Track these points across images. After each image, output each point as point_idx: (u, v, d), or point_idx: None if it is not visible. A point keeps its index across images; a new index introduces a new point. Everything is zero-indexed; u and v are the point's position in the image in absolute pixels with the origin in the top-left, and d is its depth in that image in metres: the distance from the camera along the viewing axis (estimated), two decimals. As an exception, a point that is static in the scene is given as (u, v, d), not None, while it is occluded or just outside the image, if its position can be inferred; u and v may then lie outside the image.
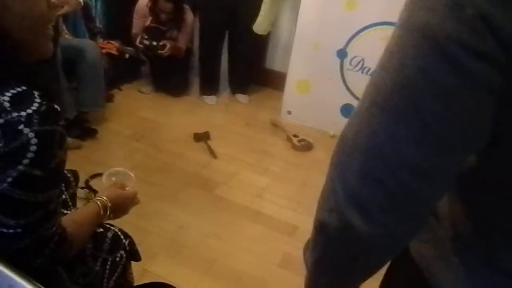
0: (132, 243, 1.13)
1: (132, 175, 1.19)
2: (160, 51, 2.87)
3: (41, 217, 0.70)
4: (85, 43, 2.45)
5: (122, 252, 1.08)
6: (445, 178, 0.43)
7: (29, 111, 0.63)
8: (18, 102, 0.63)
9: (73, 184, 1.20)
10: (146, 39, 2.88)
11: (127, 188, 1.10)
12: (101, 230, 1.06)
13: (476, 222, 0.49)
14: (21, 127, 0.62)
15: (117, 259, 1.06)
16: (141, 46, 2.91)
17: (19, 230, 0.68)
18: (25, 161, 0.63)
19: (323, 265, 0.56)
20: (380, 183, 0.43)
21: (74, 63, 2.34)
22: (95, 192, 1.96)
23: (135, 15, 2.97)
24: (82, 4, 2.37)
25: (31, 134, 0.63)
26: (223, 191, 2.19)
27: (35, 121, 0.63)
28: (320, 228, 0.52)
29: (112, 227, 1.10)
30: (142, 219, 1.88)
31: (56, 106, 0.68)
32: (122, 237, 1.10)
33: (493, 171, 0.44)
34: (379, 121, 0.42)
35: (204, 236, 1.86)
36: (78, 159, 2.23)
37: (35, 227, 0.70)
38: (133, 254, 1.14)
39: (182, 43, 3.01)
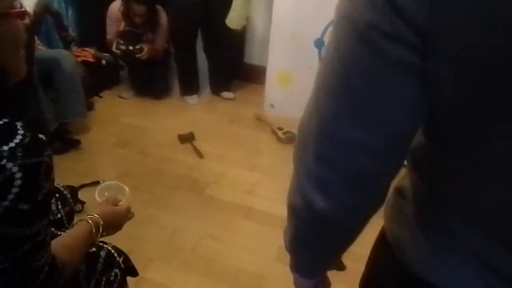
0: (127, 260, 1.11)
1: (126, 188, 1.17)
2: (138, 55, 2.84)
3: (30, 250, 0.67)
4: (60, 53, 2.41)
5: (117, 270, 1.06)
6: (388, 153, 0.46)
7: (12, 144, 0.61)
8: (0, 136, 0.62)
9: (70, 201, 1.17)
10: (122, 44, 2.84)
11: (120, 203, 1.07)
12: (94, 249, 1.04)
13: (434, 199, 0.51)
14: (3, 162, 0.60)
15: (112, 278, 1.04)
16: (118, 51, 2.87)
17: (6, 265, 0.66)
18: (10, 197, 0.61)
19: (298, 244, 0.61)
20: (331, 162, 0.47)
21: (50, 75, 2.29)
22: (82, 203, 1.93)
23: (108, 21, 2.92)
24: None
25: (15, 169, 0.61)
26: (213, 191, 2.18)
27: (19, 154, 0.61)
28: (290, 209, 0.56)
29: (105, 245, 1.08)
30: (134, 226, 1.84)
31: (40, 136, 0.66)
32: (116, 255, 1.07)
33: (440, 150, 0.47)
34: (324, 103, 0.46)
35: (199, 238, 1.86)
36: (62, 171, 2.18)
37: (24, 261, 0.68)
38: (129, 270, 1.13)
39: (159, 44, 2.97)
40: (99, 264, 1.02)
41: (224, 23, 2.90)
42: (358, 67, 0.41)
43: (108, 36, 2.94)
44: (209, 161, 2.43)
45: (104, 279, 1.02)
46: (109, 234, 0.99)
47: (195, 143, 2.56)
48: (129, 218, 1.07)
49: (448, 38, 0.36)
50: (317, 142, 0.47)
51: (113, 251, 1.07)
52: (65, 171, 2.19)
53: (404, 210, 0.56)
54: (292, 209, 0.56)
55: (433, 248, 0.51)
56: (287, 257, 0.67)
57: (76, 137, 2.45)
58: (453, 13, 0.35)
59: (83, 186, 2.07)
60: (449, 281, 0.50)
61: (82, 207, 1.90)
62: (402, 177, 0.58)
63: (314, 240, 0.58)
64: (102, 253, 1.04)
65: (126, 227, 1.82)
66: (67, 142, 2.37)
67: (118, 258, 1.07)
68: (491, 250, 0.46)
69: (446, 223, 0.50)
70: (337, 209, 0.50)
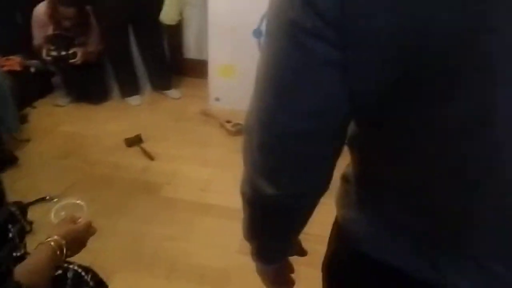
0: (95, 275, 1.08)
1: (83, 204, 1.14)
2: (72, 60, 2.69)
3: None
4: None
5: None
6: (324, 141, 0.49)
7: None
8: None
9: (20, 217, 1.10)
10: (53, 49, 2.68)
11: (79, 220, 1.03)
12: (60, 272, 1.00)
13: (369, 180, 0.56)
14: None
15: None
16: (49, 58, 2.70)
17: None
18: None
19: (254, 232, 0.64)
20: (272, 151, 0.50)
21: None
22: (31, 223, 1.82)
23: (34, 25, 2.73)
24: None
25: None
26: (168, 192, 2.15)
27: None
28: (242, 198, 0.60)
29: (70, 266, 1.04)
30: (92, 239, 1.78)
31: None
32: (83, 273, 1.04)
33: (369, 135, 0.51)
34: (260, 95, 0.49)
35: (160, 241, 1.83)
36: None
37: None
38: (100, 285, 1.10)
39: (92, 47, 2.84)
40: (67, 286, 0.98)
41: (154, 19, 2.84)
42: (287, 62, 0.44)
43: (36, 42, 2.76)
44: (160, 162, 2.38)
45: None
46: (74, 253, 0.96)
47: (143, 145, 2.50)
48: (92, 233, 1.04)
49: (359, 25, 0.39)
50: (258, 132, 0.50)
51: (79, 270, 1.04)
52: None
53: (350, 194, 0.60)
54: (244, 198, 0.59)
55: (373, 225, 0.56)
56: (249, 248, 0.69)
57: (14, 153, 2.30)
58: (363, 20, 0.38)
59: (29, 204, 1.94)
60: (388, 255, 0.54)
61: (31, 228, 1.79)
62: (347, 165, 0.62)
63: (267, 226, 0.62)
64: (69, 274, 1.00)
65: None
66: (2, 161, 2.21)
67: (85, 277, 1.04)
68: (421, 223, 0.51)
69: (382, 202, 0.54)
70: (284, 195, 0.53)
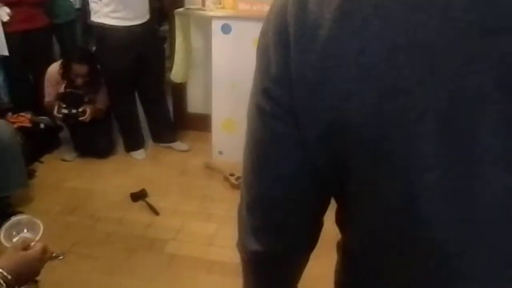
0: None
1: (39, 222, 1.03)
2: (81, 118, 2.78)
3: None
4: None
5: None
6: (296, 206, 0.53)
7: None
8: None
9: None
10: (64, 107, 2.77)
11: (33, 244, 0.95)
12: None
13: (348, 257, 0.58)
14: None
15: None
16: (60, 115, 2.79)
17: None
18: None
19: (249, 284, 0.67)
20: (254, 211, 0.55)
21: None
22: (36, 282, 1.81)
23: (46, 83, 2.85)
24: None
25: None
26: (173, 248, 2.15)
27: None
28: (240, 256, 0.63)
29: None
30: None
31: None
32: None
33: (345, 209, 0.54)
34: (243, 161, 0.54)
35: (164, 301, 1.81)
36: (5, 250, 2.04)
37: None
38: None
39: (101, 103, 2.94)
40: None
41: (158, 76, 2.97)
42: (257, 137, 0.50)
43: (47, 99, 2.86)
44: (165, 217, 2.40)
45: None
46: (25, 284, 0.89)
47: (148, 199, 2.52)
48: (46, 260, 0.95)
49: (302, 109, 0.45)
50: (244, 193, 0.55)
51: None
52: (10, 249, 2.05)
53: (342, 265, 0.61)
54: (238, 252, 0.63)
55: None
56: None
57: (19, 209, 2.31)
58: (303, 102, 0.44)
59: (33, 263, 1.94)
60: None
61: (37, 286, 1.78)
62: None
63: (260, 281, 0.65)
64: None
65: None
66: (8, 217, 2.23)
67: None
68: None
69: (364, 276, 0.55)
70: (269, 252, 0.57)
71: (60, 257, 2.10)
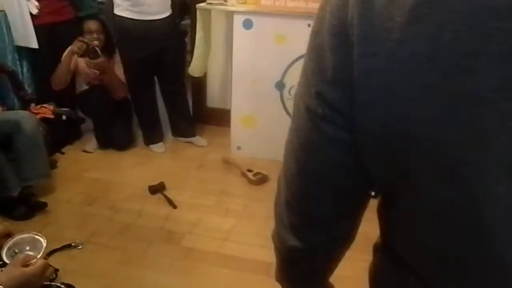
0: None
1: (42, 239, 1.04)
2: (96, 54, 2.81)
3: None
4: (20, 114, 2.34)
5: None
6: (342, 206, 0.54)
7: None
8: None
9: None
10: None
11: (34, 261, 0.95)
12: None
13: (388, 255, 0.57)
14: None
15: None
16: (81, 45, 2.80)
17: None
18: None
19: (282, 276, 0.68)
20: (293, 208, 0.56)
21: (10, 137, 2.23)
22: (56, 270, 1.86)
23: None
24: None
25: None
26: (190, 241, 2.17)
27: None
28: (274, 252, 0.65)
29: (53, 284, 1.01)
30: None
31: None
32: None
33: (383, 206, 0.54)
34: (288, 160, 0.55)
35: (180, 294, 1.83)
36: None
37: None
38: None
39: (117, 72, 2.97)
40: None
41: (179, 71, 2.99)
42: (304, 136, 0.50)
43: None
44: (182, 210, 2.42)
45: None
46: None
47: (166, 192, 2.55)
48: (47, 278, 0.96)
49: (362, 115, 0.44)
50: (284, 189, 0.56)
51: (63, 286, 1.02)
52: (32, 237, 2.11)
53: (380, 267, 0.61)
54: (274, 247, 0.64)
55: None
56: None
57: (42, 199, 2.38)
58: (365, 107, 0.44)
59: (54, 251, 1.99)
60: None
61: (56, 274, 1.82)
62: (379, 236, 0.62)
63: (295, 272, 0.66)
64: None
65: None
66: (33, 206, 2.29)
67: None
68: None
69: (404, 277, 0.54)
70: (306, 247, 0.58)
71: (79, 247, 2.16)
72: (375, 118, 0.43)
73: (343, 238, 0.59)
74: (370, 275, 0.64)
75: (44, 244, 1.02)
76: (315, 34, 0.47)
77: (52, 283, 0.99)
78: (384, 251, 0.58)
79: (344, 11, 0.43)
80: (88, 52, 2.78)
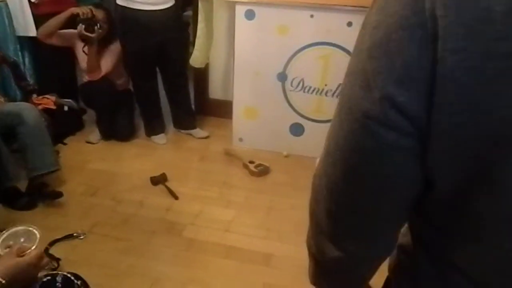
0: (85, 284, 1.08)
1: (35, 231, 1.05)
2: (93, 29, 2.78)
3: None
4: (21, 106, 2.33)
5: None
6: (391, 218, 0.52)
7: None
8: None
9: (77, 284, 1.11)
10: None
11: (28, 251, 0.97)
12: (48, 278, 1.00)
13: (433, 264, 0.54)
14: None
15: None
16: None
17: None
18: None
19: (319, 280, 0.66)
20: (341, 220, 0.54)
21: (13, 129, 2.23)
22: (57, 260, 1.88)
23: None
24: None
25: None
26: (191, 232, 2.18)
27: None
28: (308, 250, 0.63)
29: (59, 272, 1.04)
30: (113, 278, 1.83)
31: None
32: (73, 278, 1.05)
33: (437, 222, 0.51)
34: (331, 169, 0.51)
35: (182, 284, 1.84)
36: (32, 227, 2.12)
37: None
38: None
39: (114, 53, 2.95)
40: None
41: (181, 62, 2.98)
42: (357, 146, 0.46)
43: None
44: (184, 201, 2.43)
45: None
46: None
47: (168, 184, 2.56)
48: (42, 267, 0.98)
49: (440, 121, 0.40)
50: (326, 199, 0.53)
51: (69, 275, 1.04)
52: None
53: (407, 267, 0.59)
54: (310, 252, 0.62)
55: None
56: None
57: (58, 189, 2.38)
58: (447, 115, 0.40)
59: (56, 241, 2.01)
60: None
61: (58, 264, 1.84)
62: (403, 235, 0.61)
63: (331, 279, 0.64)
64: (58, 278, 1.00)
65: (104, 279, 1.80)
66: (47, 196, 2.29)
67: (76, 281, 1.04)
68: None
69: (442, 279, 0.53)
70: (348, 258, 0.56)
71: (81, 237, 2.17)
72: (464, 122, 0.38)
73: (389, 249, 0.57)
74: (398, 276, 0.62)
75: (38, 236, 1.04)
76: (376, 29, 0.42)
77: (59, 272, 1.01)
78: (427, 257, 0.55)
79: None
80: (87, 21, 2.76)
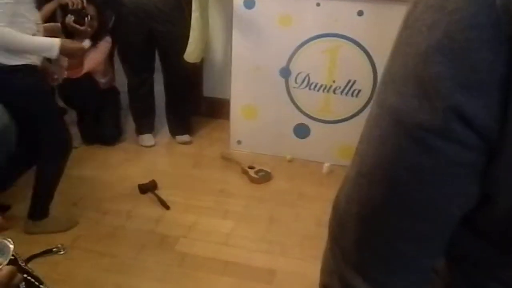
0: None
1: (10, 244, 1.01)
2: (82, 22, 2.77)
3: None
4: None
5: None
6: (435, 242, 0.50)
7: None
8: None
9: None
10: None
11: (0, 267, 0.96)
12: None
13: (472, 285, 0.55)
14: None
15: None
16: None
17: None
18: None
19: None
20: (375, 250, 0.51)
21: None
22: (36, 278, 1.87)
23: None
24: None
25: None
26: (184, 246, 2.18)
27: None
28: None
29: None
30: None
31: None
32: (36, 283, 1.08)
33: (486, 243, 0.51)
34: (367, 192, 0.49)
35: (174, 304, 1.85)
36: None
37: None
38: None
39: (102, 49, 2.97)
40: None
41: (180, 59, 2.98)
42: (407, 164, 0.44)
43: None
44: (176, 212, 2.44)
45: None
46: None
47: (158, 192, 2.56)
48: (14, 286, 0.96)
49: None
50: (357, 227, 0.51)
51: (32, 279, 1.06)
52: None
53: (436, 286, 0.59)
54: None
55: None
56: None
57: (19, 199, 2.38)
58: None
59: (34, 256, 2.01)
60: None
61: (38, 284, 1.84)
62: None
63: None
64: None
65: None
66: None
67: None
68: None
69: None
70: None
71: (61, 252, 2.17)
72: None
73: (422, 279, 0.54)
74: None
75: (12, 249, 1.03)
76: (432, 29, 0.40)
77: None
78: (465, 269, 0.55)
79: None
80: (77, 12, 2.77)
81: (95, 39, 2.90)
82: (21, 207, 2.32)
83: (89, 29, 2.80)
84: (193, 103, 3.43)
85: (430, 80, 0.40)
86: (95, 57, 2.93)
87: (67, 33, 2.85)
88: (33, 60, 2.02)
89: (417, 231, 0.48)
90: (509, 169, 0.41)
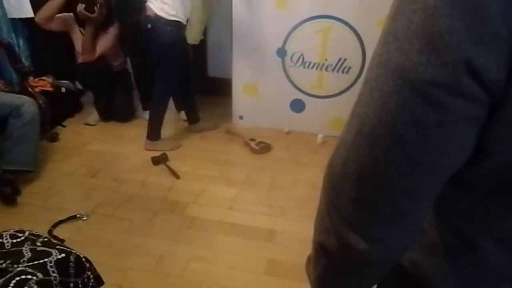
0: (93, 268, 1.15)
1: None
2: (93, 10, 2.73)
3: None
4: (23, 100, 2.27)
5: (89, 273, 1.09)
6: (430, 194, 0.48)
7: None
8: None
9: (88, 266, 1.14)
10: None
11: None
12: (63, 255, 1.05)
13: (461, 235, 0.53)
14: None
15: (86, 280, 1.08)
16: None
17: None
18: None
19: (326, 281, 0.61)
20: (373, 207, 0.48)
21: (5, 119, 2.20)
22: (62, 241, 1.90)
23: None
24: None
25: None
26: (194, 211, 2.19)
27: None
28: (320, 248, 0.56)
29: (73, 251, 1.10)
30: (118, 257, 1.85)
31: None
32: (84, 260, 1.11)
33: (478, 194, 0.49)
34: (368, 151, 0.45)
35: (186, 261, 1.86)
36: (34, 210, 2.13)
37: None
38: (96, 279, 1.15)
39: (110, 37, 2.92)
40: (71, 268, 1.04)
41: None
42: (412, 121, 0.41)
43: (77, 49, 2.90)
44: (185, 180, 2.44)
45: (79, 281, 1.05)
46: None
47: (169, 163, 2.56)
48: None
49: None
50: (357, 188, 0.48)
51: (81, 256, 1.10)
52: (38, 209, 2.14)
53: (424, 241, 0.57)
54: (324, 250, 0.55)
55: (461, 276, 0.53)
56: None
57: (44, 173, 2.38)
58: None
59: (60, 222, 2.02)
60: None
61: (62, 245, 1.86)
62: None
63: (344, 279, 0.58)
64: (71, 258, 1.06)
65: (109, 259, 1.83)
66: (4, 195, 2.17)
67: (86, 263, 1.11)
68: None
69: (475, 253, 0.51)
70: (377, 249, 0.50)
71: (84, 218, 2.19)
72: None
73: (416, 234, 0.52)
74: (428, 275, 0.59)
75: None
76: None
77: (72, 251, 1.05)
78: (473, 261, 0.53)
79: None
80: (88, 1, 2.71)
81: (104, 26, 2.84)
82: (48, 185, 2.33)
83: (98, 16, 2.74)
84: (199, 83, 3.38)
85: (440, 34, 0.36)
86: (105, 42, 2.88)
87: (79, 21, 2.80)
88: (183, 20, 2.40)
89: (417, 187, 0.45)
90: (510, 122, 0.38)
